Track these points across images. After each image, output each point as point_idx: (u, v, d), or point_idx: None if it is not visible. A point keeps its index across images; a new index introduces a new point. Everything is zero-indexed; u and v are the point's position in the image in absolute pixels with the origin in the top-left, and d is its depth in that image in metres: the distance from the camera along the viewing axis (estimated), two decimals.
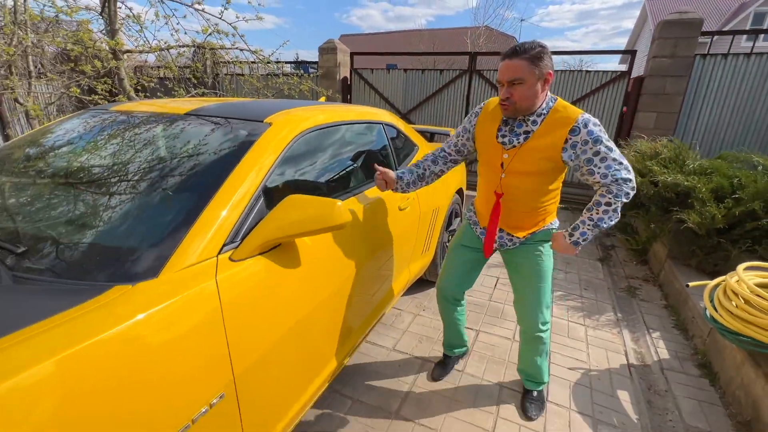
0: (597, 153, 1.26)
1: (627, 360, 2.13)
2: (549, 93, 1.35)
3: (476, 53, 5.61)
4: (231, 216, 1.03)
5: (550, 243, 1.52)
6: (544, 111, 1.31)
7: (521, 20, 25.56)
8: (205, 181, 1.11)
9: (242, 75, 6.18)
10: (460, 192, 3.05)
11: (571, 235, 1.39)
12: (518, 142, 1.34)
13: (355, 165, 1.98)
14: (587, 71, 5.00)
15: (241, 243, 1.03)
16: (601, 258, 3.54)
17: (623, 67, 4.73)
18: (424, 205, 2.24)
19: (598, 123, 1.28)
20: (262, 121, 1.34)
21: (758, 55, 4.19)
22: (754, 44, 4.15)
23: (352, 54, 6.48)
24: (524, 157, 1.34)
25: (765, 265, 1.84)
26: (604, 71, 4.93)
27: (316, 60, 6.44)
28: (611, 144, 1.28)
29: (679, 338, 2.34)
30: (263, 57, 5.17)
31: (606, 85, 4.91)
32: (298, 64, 7.55)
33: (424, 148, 2.67)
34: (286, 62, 6.99)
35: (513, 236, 1.54)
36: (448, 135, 3.39)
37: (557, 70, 5.20)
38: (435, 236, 2.53)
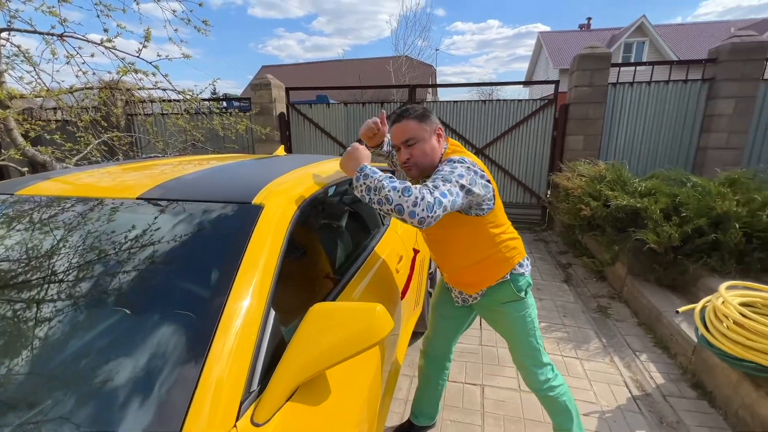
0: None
1: (630, 392, 2.12)
2: (446, 144, 1.37)
3: (415, 86, 5.73)
4: (241, 359, 0.74)
5: (517, 299, 1.40)
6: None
7: (436, 49, 27.54)
8: (196, 317, 0.79)
9: (167, 114, 5.55)
10: None
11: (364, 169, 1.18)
12: None
13: (350, 230, 1.75)
14: (519, 100, 5.36)
15: (262, 394, 0.74)
16: (565, 279, 3.66)
17: (526, 92, 5.13)
18: (406, 260, 2.06)
19: (459, 159, 1.23)
20: (251, 203, 1.06)
21: (656, 83, 4.84)
22: (652, 74, 4.79)
23: (287, 89, 6.22)
24: None
25: (744, 284, 1.97)
26: (534, 99, 5.32)
27: (239, 91, 6.05)
28: (453, 174, 1.14)
29: (663, 357, 2.42)
30: (192, 96, 4.70)
31: (536, 112, 5.30)
32: (227, 100, 7.09)
33: None
34: (215, 99, 6.50)
35: (463, 293, 1.50)
36: None
37: (494, 100, 5.50)
38: (423, 287, 2.36)
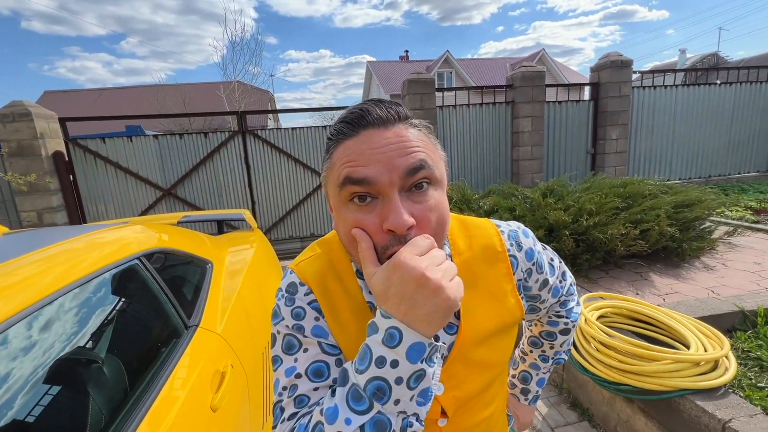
0: (545, 281, 0.68)
1: None
2: None
3: (244, 112, 4.99)
4: None
5: None
6: (447, 244, 0.61)
7: (271, 75, 26.77)
8: None
9: None
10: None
11: (525, 392, 0.86)
12: (446, 342, 0.57)
13: (120, 356, 0.99)
14: None
15: None
16: None
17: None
18: (246, 360, 1.41)
19: (522, 227, 0.68)
20: None
21: (473, 106, 5.39)
22: (469, 98, 5.31)
23: (62, 120, 4.62)
24: (471, 360, 0.58)
25: (597, 294, 2.01)
26: None
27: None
28: (544, 251, 0.71)
29: None
30: None
31: None
32: None
33: (217, 257, 1.82)
34: None
35: None
36: (243, 219, 2.60)
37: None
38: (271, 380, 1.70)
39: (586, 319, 1.85)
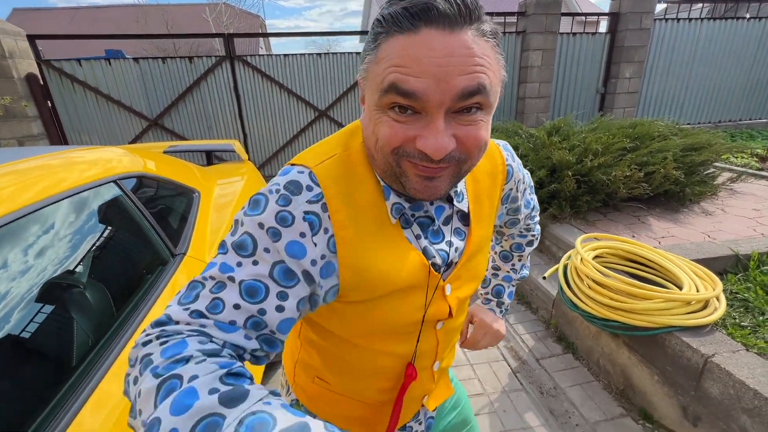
0: (527, 189, 0.75)
1: (509, 366, 2.03)
2: None
3: (232, 35, 4.58)
4: None
5: None
6: None
7: None
8: None
9: None
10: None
11: (500, 305, 0.90)
12: (458, 247, 0.59)
13: (104, 280, 0.95)
14: (359, 53, 4.85)
15: None
16: None
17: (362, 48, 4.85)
18: None
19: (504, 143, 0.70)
20: None
21: None
22: None
23: (31, 37, 4.22)
24: (470, 266, 0.62)
25: (594, 236, 1.99)
26: None
27: None
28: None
29: (528, 315, 2.45)
30: None
31: None
32: None
33: (206, 188, 1.74)
34: None
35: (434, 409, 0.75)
36: (233, 150, 2.48)
37: (332, 53, 4.82)
38: None
39: (582, 258, 1.84)
